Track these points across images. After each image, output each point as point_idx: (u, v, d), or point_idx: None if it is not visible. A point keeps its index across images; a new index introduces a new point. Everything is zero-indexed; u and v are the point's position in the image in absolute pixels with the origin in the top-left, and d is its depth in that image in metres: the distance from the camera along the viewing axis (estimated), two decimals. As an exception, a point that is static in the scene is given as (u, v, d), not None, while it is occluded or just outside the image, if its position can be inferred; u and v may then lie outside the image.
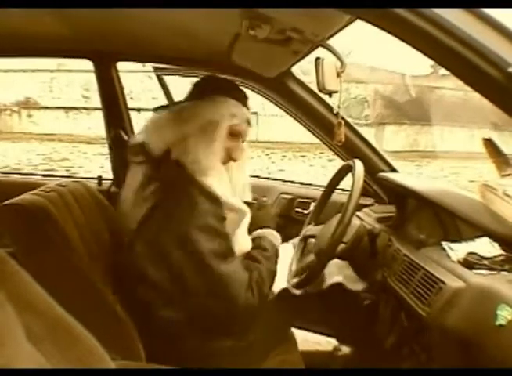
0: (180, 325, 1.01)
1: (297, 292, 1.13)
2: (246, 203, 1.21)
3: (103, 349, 0.55)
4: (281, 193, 1.75)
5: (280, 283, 1.16)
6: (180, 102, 1.19)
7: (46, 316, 0.51)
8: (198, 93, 1.14)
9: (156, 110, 1.18)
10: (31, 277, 0.53)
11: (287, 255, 1.27)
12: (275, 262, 1.14)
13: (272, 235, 1.21)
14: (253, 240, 1.18)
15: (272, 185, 1.79)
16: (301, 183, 1.85)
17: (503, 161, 0.95)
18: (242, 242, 1.12)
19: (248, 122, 1.14)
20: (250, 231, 1.19)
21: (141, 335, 0.99)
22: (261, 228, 1.22)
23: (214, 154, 1.05)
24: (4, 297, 0.45)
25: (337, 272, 1.22)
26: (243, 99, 1.14)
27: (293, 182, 1.87)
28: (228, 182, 1.13)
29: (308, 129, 1.59)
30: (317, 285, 1.19)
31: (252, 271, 1.05)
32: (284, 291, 1.15)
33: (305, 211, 1.67)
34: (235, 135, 1.11)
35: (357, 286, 1.22)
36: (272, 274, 1.11)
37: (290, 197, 1.74)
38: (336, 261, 1.17)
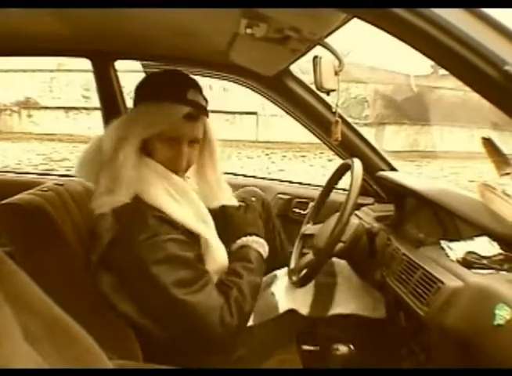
0: (161, 348, 0.97)
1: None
2: (243, 203, 1.19)
3: (100, 349, 0.54)
4: (278, 194, 1.74)
5: (286, 303, 1.12)
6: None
7: (43, 315, 0.51)
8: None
9: None
10: (29, 277, 0.53)
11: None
12: (260, 273, 1.07)
13: (257, 243, 1.11)
14: (236, 250, 1.11)
15: (269, 185, 1.78)
16: (299, 183, 1.84)
17: (503, 161, 0.94)
18: (217, 257, 1.03)
19: (191, 116, 0.99)
20: (235, 237, 1.13)
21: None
22: (248, 234, 1.12)
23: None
24: (1, 297, 0.45)
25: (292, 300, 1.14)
26: (174, 95, 0.98)
27: (290, 182, 1.86)
28: (192, 193, 1.03)
29: (307, 128, 1.59)
30: (321, 311, 1.14)
31: (231, 289, 0.98)
32: (291, 311, 1.11)
33: (303, 212, 1.65)
34: (170, 142, 0.99)
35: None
36: (256, 287, 1.04)
37: (287, 197, 1.73)
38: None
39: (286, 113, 1.58)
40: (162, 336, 0.96)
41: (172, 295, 0.90)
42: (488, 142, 0.96)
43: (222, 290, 0.97)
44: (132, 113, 1.03)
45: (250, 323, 1.07)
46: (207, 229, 1.02)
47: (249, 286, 1.01)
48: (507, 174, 0.93)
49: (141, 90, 1.03)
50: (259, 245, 1.11)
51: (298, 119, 1.57)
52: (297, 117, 1.56)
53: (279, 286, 1.17)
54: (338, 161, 1.49)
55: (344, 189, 1.49)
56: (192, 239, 0.98)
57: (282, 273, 1.22)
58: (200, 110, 1.01)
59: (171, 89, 0.98)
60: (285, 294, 1.14)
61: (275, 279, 1.20)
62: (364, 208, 1.47)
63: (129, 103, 1.71)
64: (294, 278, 1.13)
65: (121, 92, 1.67)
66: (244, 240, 1.11)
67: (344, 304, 1.15)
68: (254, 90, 1.55)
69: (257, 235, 1.12)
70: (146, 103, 0.99)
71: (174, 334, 0.96)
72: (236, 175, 1.89)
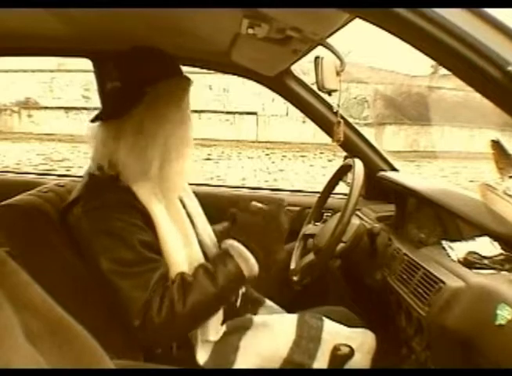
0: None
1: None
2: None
3: (102, 349, 0.54)
4: (286, 206, 1.65)
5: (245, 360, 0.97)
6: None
7: (45, 316, 0.50)
8: None
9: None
10: (29, 277, 0.53)
11: (290, 327, 1.01)
12: (222, 285, 0.89)
13: (240, 255, 0.92)
14: (216, 252, 1.01)
15: (275, 197, 1.68)
16: (301, 191, 1.79)
17: (509, 163, 0.95)
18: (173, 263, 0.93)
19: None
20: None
21: None
22: (240, 241, 0.94)
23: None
24: (2, 297, 0.45)
25: None
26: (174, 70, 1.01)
27: (295, 191, 1.80)
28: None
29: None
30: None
31: (172, 284, 0.89)
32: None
33: (318, 224, 1.35)
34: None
35: None
36: (205, 294, 0.88)
37: (297, 208, 1.59)
38: None
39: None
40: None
41: (102, 269, 0.87)
42: (496, 145, 0.96)
43: (165, 284, 0.89)
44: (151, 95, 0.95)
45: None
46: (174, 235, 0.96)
47: (196, 289, 0.88)
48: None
49: (150, 69, 0.98)
50: (242, 259, 0.92)
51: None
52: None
53: (248, 339, 0.99)
54: (338, 161, 1.49)
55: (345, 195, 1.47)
56: (150, 227, 0.92)
57: (258, 321, 1.02)
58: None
59: (172, 64, 1.02)
60: (248, 351, 0.97)
61: (250, 325, 1.02)
62: (365, 208, 1.47)
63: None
64: (295, 278, 1.13)
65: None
66: (228, 244, 0.95)
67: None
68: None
69: (249, 248, 0.93)
70: (169, 80, 0.97)
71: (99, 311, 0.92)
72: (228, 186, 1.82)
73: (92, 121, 0.97)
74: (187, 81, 1.01)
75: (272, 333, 0.99)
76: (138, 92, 0.93)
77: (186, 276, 0.91)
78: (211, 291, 0.89)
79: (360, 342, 1.01)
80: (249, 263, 0.92)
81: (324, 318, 1.03)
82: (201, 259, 0.99)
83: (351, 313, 1.16)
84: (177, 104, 0.97)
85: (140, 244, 0.88)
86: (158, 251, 0.92)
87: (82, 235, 0.92)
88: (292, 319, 1.02)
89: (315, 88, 1.45)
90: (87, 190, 0.94)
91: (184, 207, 1.05)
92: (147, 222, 0.92)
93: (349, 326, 1.05)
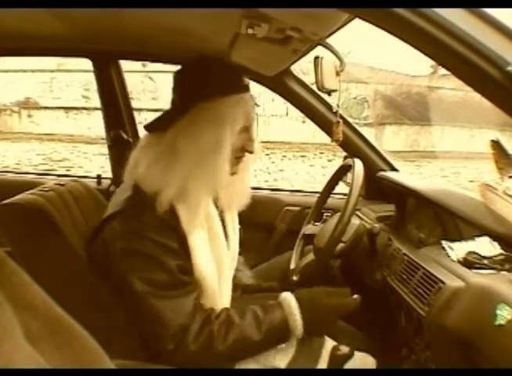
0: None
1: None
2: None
3: (102, 349, 0.54)
4: (286, 206, 1.65)
5: None
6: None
7: (45, 316, 0.50)
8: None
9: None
10: (29, 277, 0.53)
11: None
12: (265, 334, 0.88)
13: (292, 316, 0.90)
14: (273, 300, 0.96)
15: (275, 197, 1.68)
16: (301, 191, 1.78)
17: (509, 163, 0.95)
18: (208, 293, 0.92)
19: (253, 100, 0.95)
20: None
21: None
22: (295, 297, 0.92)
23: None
24: (2, 297, 0.45)
25: None
26: (240, 85, 0.94)
27: (295, 191, 1.79)
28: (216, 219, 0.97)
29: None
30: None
31: (216, 319, 0.87)
32: None
33: (318, 224, 1.38)
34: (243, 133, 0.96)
35: None
36: (245, 338, 0.87)
37: (297, 208, 1.61)
38: None
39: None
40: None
41: (135, 289, 0.83)
42: (496, 145, 0.97)
43: (209, 316, 0.88)
44: (202, 115, 0.89)
45: None
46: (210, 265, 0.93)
47: (240, 331, 0.87)
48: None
49: (193, 87, 0.91)
50: (292, 318, 0.90)
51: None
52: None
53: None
54: (338, 161, 1.49)
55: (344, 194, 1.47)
56: (186, 252, 0.90)
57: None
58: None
59: (232, 80, 0.93)
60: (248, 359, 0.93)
61: None
62: (364, 208, 1.47)
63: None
64: (295, 278, 1.13)
65: (126, 92, 1.67)
66: (285, 296, 0.94)
67: None
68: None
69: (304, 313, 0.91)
70: (213, 100, 0.89)
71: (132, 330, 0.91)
72: None
73: (144, 127, 0.96)
74: (244, 101, 0.93)
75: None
76: (185, 107, 0.89)
77: (233, 315, 0.89)
78: (254, 338, 0.87)
79: (360, 366, 1.00)
80: (297, 324, 0.90)
81: (325, 336, 1.01)
82: (229, 286, 0.99)
83: (353, 329, 1.16)
84: (213, 131, 0.89)
85: (177, 268, 0.86)
86: (192, 275, 0.90)
87: (115, 251, 0.86)
88: None
89: (314, 88, 1.45)
90: (127, 206, 0.88)
91: (223, 224, 1.02)
92: (185, 247, 0.89)
93: (350, 342, 1.03)
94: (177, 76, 0.95)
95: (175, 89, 0.94)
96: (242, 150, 0.96)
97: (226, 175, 0.91)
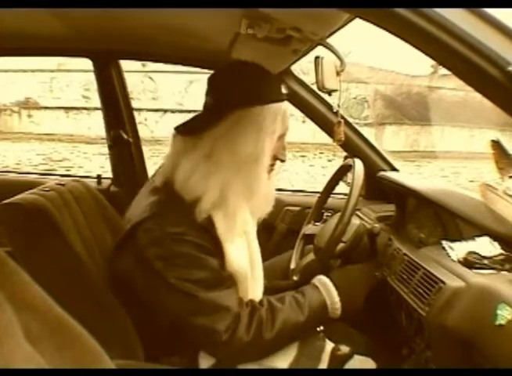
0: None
1: None
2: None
3: (102, 349, 0.54)
4: (286, 206, 1.65)
5: None
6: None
7: (45, 316, 0.50)
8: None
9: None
10: (30, 277, 0.53)
11: None
12: (308, 315, 0.93)
13: (329, 295, 0.97)
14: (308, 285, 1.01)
15: (275, 196, 1.70)
16: (301, 191, 1.77)
17: (509, 163, 0.95)
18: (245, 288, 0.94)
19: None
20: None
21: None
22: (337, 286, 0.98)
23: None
24: (2, 297, 0.45)
25: None
26: (279, 94, 0.95)
27: (295, 191, 1.78)
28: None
29: None
30: None
31: (262, 308, 0.90)
32: None
33: (318, 224, 1.37)
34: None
35: None
36: (290, 321, 0.91)
37: (297, 208, 1.61)
38: None
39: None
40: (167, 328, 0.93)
41: (183, 290, 0.85)
42: (496, 145, 0.97)
43: (254, 304, 0.91)
44: (239, 123, 0.89)
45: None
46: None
47: (284, 316, 0.90)
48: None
49: (231, 93, 0.90)
50: (329, 297, 0.97)
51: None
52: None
53: None
54: (338, 161, 1.49)
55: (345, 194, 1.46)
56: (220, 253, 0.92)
57: None
58: None
59: (273, 88, 0.94)
60: None
61: None
62: (365, 208, 1.47)
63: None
64: (295, 278, 1.13)
65: (126, 91, 1.67)
66: (320, 280, 1.00)
67: None
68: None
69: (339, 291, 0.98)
70: (253, 108, 0.89)
71: (181, 331, 0.92)
72: None
73: (175, 129, 0.96)
74: (283, 110, 0.93)
75: None
76: (221, 112, 0.89)
77: (274, 301, 0.92)
78: (299, 319, 0.92)
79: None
80: (334, 301, 0.97)
81: (327, 340, 1.03)
82: (261, 291, 1.00)
83: (353, 330, 1.17)
84: (253, 140, 0.89)
85: (217, 266, 0.89)
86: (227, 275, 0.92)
87: (151, 255, 0.87)
88: None
89: (315, 88, 1.45)
90: (162, 210, 0.88)
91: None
92: (220, 253, 0.90)
93: (350, 344, 1.04)
94: (213, 80, 0.95)
95: (210, 93, 0.93)
96: (275, 159, 0.97)
97: (264, 183, 0.93)
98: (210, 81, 0.95)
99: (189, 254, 0.86)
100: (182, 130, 0.95)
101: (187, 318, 0.88)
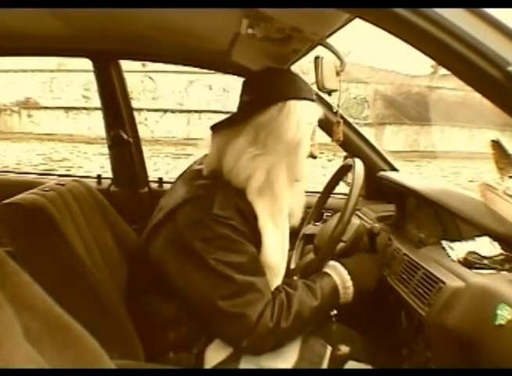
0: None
1: None
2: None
3: (102, 349, 0.54)
4: None
5: None
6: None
7: (45, 315, 0.51)
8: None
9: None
10: (30, 277, 0.53)
11: None
12: (319, 301, 0.96)
13: (342, 277, 1.02)
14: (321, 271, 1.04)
15: None
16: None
17: (509, 163, 0.95)
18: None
19: None
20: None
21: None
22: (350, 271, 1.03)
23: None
24: (2, 297, 0.45)
25: None
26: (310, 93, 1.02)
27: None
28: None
29: None
30: None
31: (280, 293, 0.95)
32: None
33: (318, 224, 1.36)
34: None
35: None
36: (305, 305, 0.95)
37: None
38: None
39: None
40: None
41: (223, 270, 0.88)
42: (496, 145, 0.97)
43: (274, 291, 0.95)
44: (279, 114, 0.96)
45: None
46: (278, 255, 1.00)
47: (299, 302, 0.94)
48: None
49: (275, 90, 0.98)
50: (340, 281, 1.01)
51: None
52: None
53: None
54: (338, 161, 1.49)
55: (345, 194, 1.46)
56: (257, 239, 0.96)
57: None
58: None
59: (306, 88, 1.01)
60: (251, 364, 0.97)
61: None
62: (365, 208, 1.47)
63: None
64: (295, 278, 1.13)
65: (126, 92, 1.66)
66: (332, 264, 1.05)
67: None
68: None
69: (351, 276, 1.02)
70: (289, 101, 0.96)
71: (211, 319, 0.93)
72: None
73: (212, 127, 1.01)
74: (316, 109, 1.02)
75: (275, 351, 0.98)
76: (264, 104, 0.96)
77: (287, 288, 0.97)
78: (312, 303, 0.95)
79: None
80: (346, 285, 1.01)
81: (328, 345, 1.04)
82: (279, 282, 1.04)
83: (353, 332, 1.18)
84: (293, 128, 0.96)
85: (253, 253, 0.93)
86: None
87: (191, 235, 0.90)
88: (296, 340, 1.01)
89: (315, 88, 1.45)
90: (204, 192, 0.93)
91: None
92: (258, 242, 0.95)
93: (350, 345, 1.08)
94: (251, 81, 1.04)
95: (249, 92, 1.01)
96: (309, 155, 1.02)
97: (305, 168, 1.01)
98: (248, 82, 1.04)
99: (231, 237, 0.90)
100: (221, 126, 1.00)
101: (218, 301, 0.89)
